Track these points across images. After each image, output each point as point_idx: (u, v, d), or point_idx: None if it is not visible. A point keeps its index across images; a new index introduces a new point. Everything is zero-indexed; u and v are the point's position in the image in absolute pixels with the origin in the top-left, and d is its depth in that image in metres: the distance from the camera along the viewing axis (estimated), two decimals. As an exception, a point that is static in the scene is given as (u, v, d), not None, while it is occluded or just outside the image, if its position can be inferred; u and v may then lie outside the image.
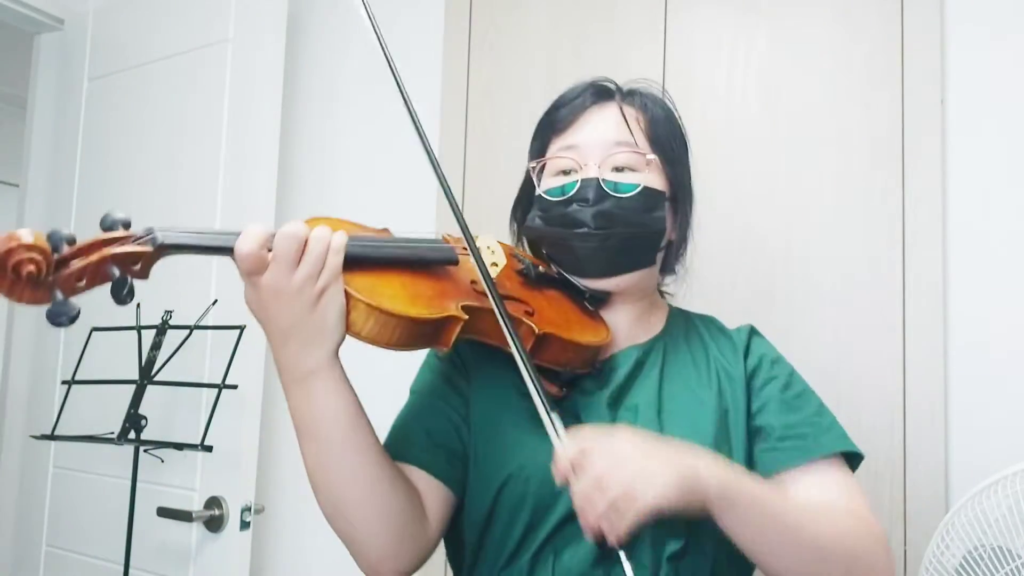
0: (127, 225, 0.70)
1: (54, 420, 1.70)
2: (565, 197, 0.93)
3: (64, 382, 1.72)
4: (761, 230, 1.56)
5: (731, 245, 1.57)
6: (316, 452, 0.79)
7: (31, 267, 0.61)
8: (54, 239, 0.64)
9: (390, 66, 0.90)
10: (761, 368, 0.95)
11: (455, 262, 0.86)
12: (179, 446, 1.59)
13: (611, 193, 0.91)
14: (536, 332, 0.84)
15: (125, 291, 0.67)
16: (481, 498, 0.88)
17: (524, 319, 0.85)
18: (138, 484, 1.67)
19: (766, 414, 0.91)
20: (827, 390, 1.46)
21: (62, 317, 0.63)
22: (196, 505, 1.75)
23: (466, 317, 0.79)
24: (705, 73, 1.64)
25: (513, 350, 0.78)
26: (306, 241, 0.73)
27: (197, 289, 1.77)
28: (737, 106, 1.60)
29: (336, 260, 0.74)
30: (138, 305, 1.70)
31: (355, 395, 0.80)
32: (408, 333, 0.77)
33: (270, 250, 0.73)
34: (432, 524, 0.88)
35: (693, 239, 1.02)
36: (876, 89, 1.49)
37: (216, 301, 1.72)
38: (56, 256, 0.64)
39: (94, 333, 1.73)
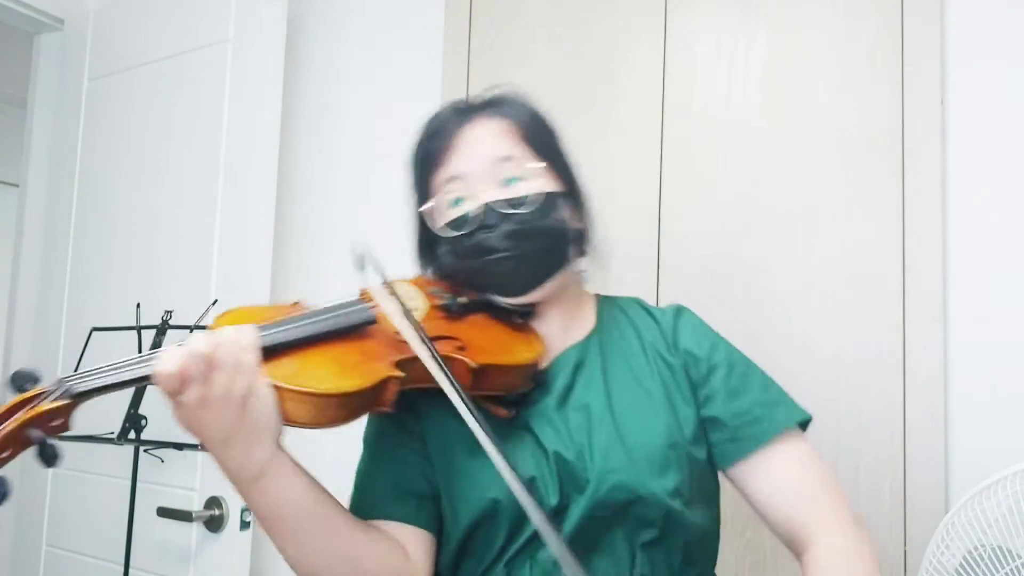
0: (36, 379, 0.70)
1: (54, 420, 1.70)
2: (468, 230, 0.91)
3: (64, 382, 1.72)
4: (760, 229, 1.56)
5: (730, 245, 1.57)
6: (286, 541, 0.80)
7: None
8: None
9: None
10: (697, 361, 0.94)
11: (373, 321, 0.84)
12: (179, 446, 1.59)
13: (511, 212, 0.90)
14: (472, 366, 0.83)
15: (51, 453, 0.66)
16: (455, 527, 0.89)
17: (457, 355, 0.83)
18: (138, 484, 1.67)
19: (715, 404, 0.92)
20: (827, 390, 1.47)
21: None
22: (196, 505, 1.75)
23: (402, 374, 0.78)
24: (705, 73, 1.64)
25: (449, 392, 0.76)
26: (214, 352, 0.71)
27: (197, 289, 1.77)
28: (737, 106, 1.60)
29: (249, 358, 0.73)
30: (138, 305, 1.70)
31: (310, 478, 0.80)
32: (347, 408, 0.75)
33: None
34: (419, 567, 0.88)
35: (595, 224, 1.01)
36: (876, 89, 1.49)
37: (216, 301, 1.72)
38: None
39: (94, 333, 1.73)
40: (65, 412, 0.69)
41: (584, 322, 0.99)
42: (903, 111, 1.47)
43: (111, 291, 1.97)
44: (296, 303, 0.87)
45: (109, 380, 0.71)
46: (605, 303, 1.04)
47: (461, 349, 0.85)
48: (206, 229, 1.81)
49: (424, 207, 0.97)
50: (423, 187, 0.98)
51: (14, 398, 0.67)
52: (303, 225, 2.06)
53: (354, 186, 2.03)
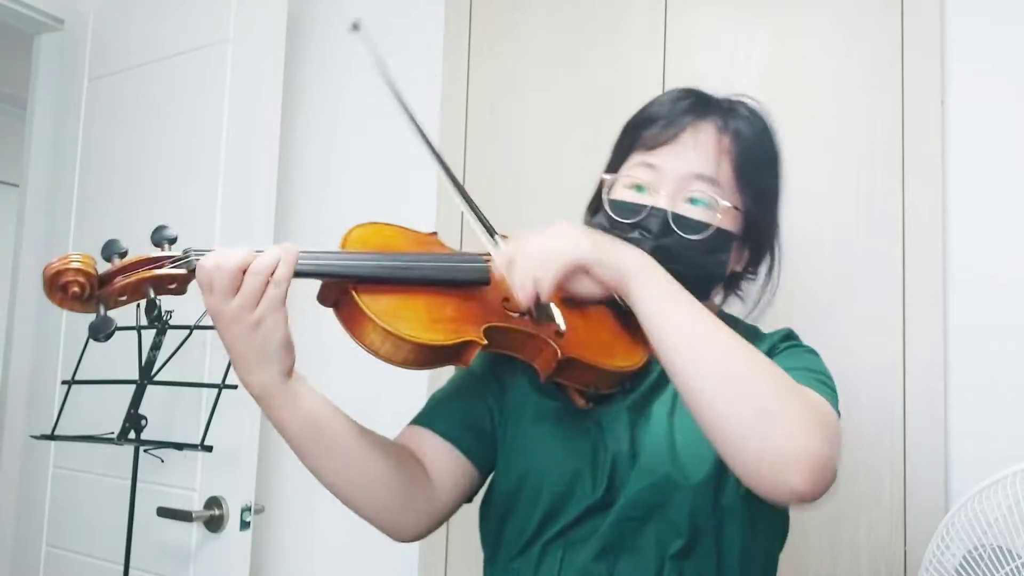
0: (173, 241, 0.79)
1: (54, 420, 1.70)
2: (629, 220, 0.90)
3: (64, 382, 1.72)
4: (761, 230, 1.56)
5: (731, 245, 1.57)
6: (299, 452, 0.86)
7: (75, 288, 0.74)
8: (106, 252, 0.76)
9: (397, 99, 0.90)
10: (788, 346, 0.94)
11: (486, 282, 0.86)
12: (179, 446, 1.59)
13: (676, 231, 0.88)
14: (559, 356, 0.84)
15: (156, 310, 0.77)
16: (503, 486, 0.92)
17: (550, 341, 0.84)
18: (138, 484, 1.67)
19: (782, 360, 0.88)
20: (827, 390, 1.47)
21: (100, 334, 0.74)
22: (196, 505, 1.75)
23: (485, 342, 0.81)
24: (705, 73, 1.64)
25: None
26: (245, 271, 0.76)
27: (197, 289, 1.77)
28: (737, 106, 1.60)
29: (276, 292, 0.77)
30: (138, 305, 1.70)
31: (319, 405, 0.84)
32: (422, 357, 0.80)
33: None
34: (447, 493, 0.93)
35: (779, 273, 1.02)
36: (876, 90, 1.49)
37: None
38: (99, 275, 0.75)
39: (94, 333, 1.73)
40: (181, 280, 0.78)
41: None
42: (903, 111, 1.47)
43: (111, 291, 1.97)
44: (434, 233, 0.94)
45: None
46: (727, 320, 1.00)
47: (558, 335, 0.85)
48: (206, 229, 1.81)
49: (608, 176, 0.96)
50: (621, 155, 0.97)
51: (145, 254, 0.77)
52: (303, 225, 2.06)
53: (354, 186, 2.03)
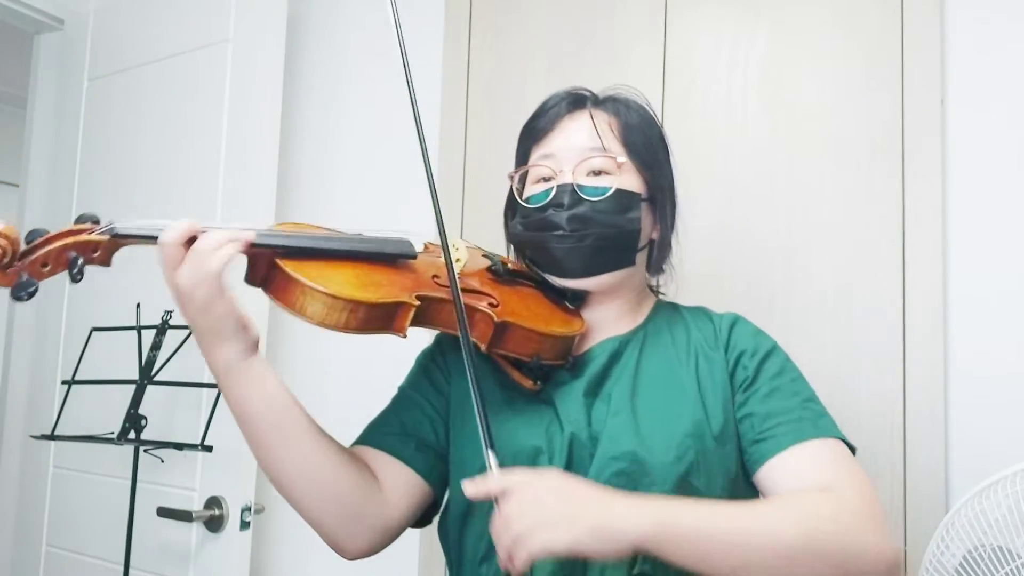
0: (96, 221, 0.81)
1: (54, 420, 1.70)
2: (543, 203, 0.96)
3: (64, 382, 1.72)
4: (761, 230, 1.56)
5: (730, 245, 1.57)
6: (249, 439, 0.86)
7: None
8: (31, 235, 0.76)
9: (399, 39, 0.97)
10: (747, 361, 0.94)
11: (412, 256, 0.91)
12: (179, 446, 1.59)
13: (585, 197, 0.95)
14: (495, 320, 0.88)
15: (76, 271, 0.77)
16: (459, 493, 0.91)
17: (484, 308, 0.89)
18: (138, 484, 1.67)
19: (753, 402, 0.91)
20: (827, 390, 1.46)
21: (21, 292, 0.74)
22: (196, 505, 1.75)
23: (417, 304, 0.83)
24: (705, 73, 1.64)
25: (461, 339, 0.82)
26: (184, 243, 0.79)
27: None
28: (737, 106, 1.60)
29: (211, 267, 0.77)
30: (138, 305, 1.70)
31: (281, 390, 0.85)
32: (357, 317, 0.81)
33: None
34: (396, 508, 0.92)
35: (678, 238, 1.05)
36: (876, 89, 1.49)
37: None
38: (24, 246, 0.75)
39: (94, 333, 1.73)
40: (104, 247, 0.80)
41: (634, 319, 1.02)
42: (903, 111, 1.47)
43: (111, 291, 1.97)
44: (359, 233, 0.94)
45: (143, 233, 0.81)
46: (664, 306, 1.06)
47: (492, 305, 0.90)
48: (206, 229, 1.80)
49: (514, 172, 1.04)
50: (523, 158, 1.04)
51: (68, 227, 0.79)
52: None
53: (354, 186, 2.03)
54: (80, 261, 0.77)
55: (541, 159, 1.00)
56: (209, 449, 1.57)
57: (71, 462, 2.00)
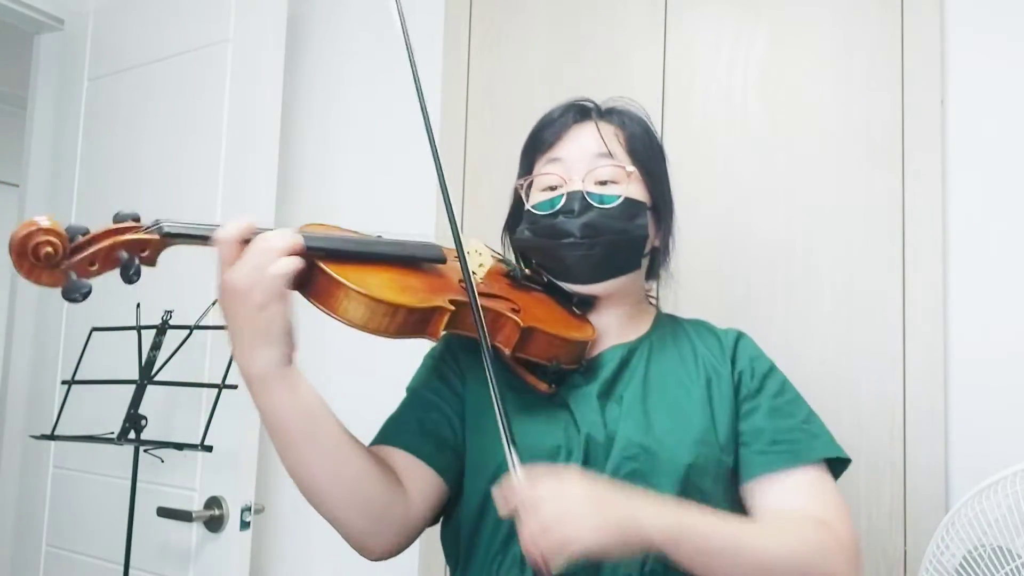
0: (136, 219, 0.77)
1: (54, 420, 1.70)
2: (553, 210, 0.98)
3: (64, 382, 1.72)
4: (761, 230, 1.56)
5: (731, 244, 1.57)
6: (279, 445, 0.84)
7: (48, 248, 0.69)
8: (71, 231, 0.72)
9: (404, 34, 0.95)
10: (751, 376, 0.98)
11: (443, 261, 0.92)
12: (179, 446, 1.59)
13: (595, 205, 0.96)
14: (521, 325, 0.89)
15: (132, 271, 0.74)
16: (474, 488, 0.93)
17: (509, 314, 0.90)
18: (138, 484, 1.67)
19: (757, 416, 0.94)
20: (827, 390, 1.47)
21: (75, 293, 0.70)
22: (196, 505, 1.75)
23: (452, 308, 0.84)
24: (705, 73, 1.64)
25: (482, 343, 0.83)
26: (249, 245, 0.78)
27: (197, 289, 1.77)
28: (737, 106, 1.60)
29: (277, 270, 0.76)
30: (138, 305, 1.70)
31: (315, 398, 0.83)
32: (396, 321, 0.81)
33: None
34: (418, 507, 0.92)
35: (675, 247, 1.07)
36: (876, 89, 1.49)
37: (216, 301, 1.71)
38: (72, 243, 0.72)
39: (94, 333, 1.73)
40: (154, 247, 0.77)
41: (640, 327, 1.04)
42: (903, 111, 1.47)
43: (111, 291, 1.96)
44: (379, 235, 0.93)
45: (192, 232, 0.80)
46: (666, 318, 1.08)
47: (515, 311, 0.91)
48: (206, 229, 1.80)
49: (521, 180, 1.05)
50: (528, 167, 1.05)
51: (113, 225, 0.76)
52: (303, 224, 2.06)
53: (355, 186, 2.03)
54: (136, 261, 0.75)
55: (549, 165, 1.01)
56: (209, 449, 1.57)
57: (71, 462, 2.00)
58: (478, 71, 1.88)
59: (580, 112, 1.04)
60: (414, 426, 0.97)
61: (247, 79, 1.85)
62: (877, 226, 1.47)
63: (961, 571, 1.11)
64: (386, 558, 0.92)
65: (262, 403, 0.82)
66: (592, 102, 1.06)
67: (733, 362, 0.98)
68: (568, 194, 0.97)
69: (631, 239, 0.97)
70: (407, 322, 0.82)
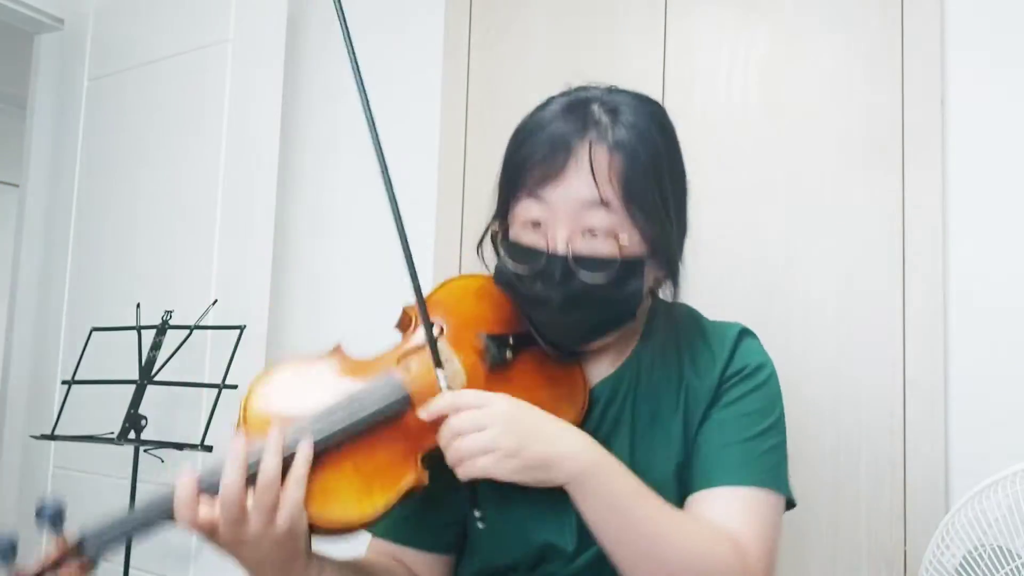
0: (61, 516, 0.75)
1: (54, 420, 1.70)
2: (529, 271, 0.84)
3: (64, 382, 1.72)
4: (761, 229, 1.56)
5: (731, 244, 1.57)
6: None
7: None
8: None
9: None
10: (735, 384, 0.89)
11: (407, 409, 0.79)
12: (179, 446, 1.59)
13: (579, 275, 0.81)
14: None
15: None
16: (494, 555, 0.88)
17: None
18: (138, 484, 1.67)
19: (724, 427, 0.86)
20: (827, 390, 1.47)
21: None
22: (196, 505, 1.74)
23: (426, 473, 0.77)
24: (705, 73, 1.64)
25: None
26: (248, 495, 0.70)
27: (197, 289, 1.77)
28: (737, 106, 1.60)
29: (297, 495, 0.70)
30: (138, 305, 1.70)
31: (345, 565, 0.81)
32: (374, 521, 0.76)
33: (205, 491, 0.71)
34: None
35: (684, 267, 0.95)
36: (876, 89, 1.49)
37: (216, 301, 1.72)
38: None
39: (94, 333, 1.73)
40: (83, 566, 0.73)
41: (629, 340, 0.93)
42: (903, 111, 1.47)
43: (111, 291, 1.97)
44: (337, 347, 0.84)
45: (129, 531, 0.76)
46: (661, 316, 0.95)
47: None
48: (206, 229, 1.81)
49: (497, 226, 0.94)
50: (506, 197, 0.93)
51: (42, 558, 0.70)
52: (303, 226, 2.06)
53: (354, 186, 2.03)
54: None
55: (534, 198, 0.85)
56: (209, 449, 1.57)
57: (71, 462, 2.00)
58: (478, 71, 1.87)
59: (574, 123, 0.87)
60: (411, 516, 0.89)
61: (247, 79, 1.85)
62: (877, 226, 1.47)
63: (961, 571, 1.11)
64: None
65: None
66: (588, 103, 0.91)
67: (723, 371, 0.89)
68: (548, 259, 0.82)
69: (623, 300, 0.84)
70: (384, 515, 0.76)
